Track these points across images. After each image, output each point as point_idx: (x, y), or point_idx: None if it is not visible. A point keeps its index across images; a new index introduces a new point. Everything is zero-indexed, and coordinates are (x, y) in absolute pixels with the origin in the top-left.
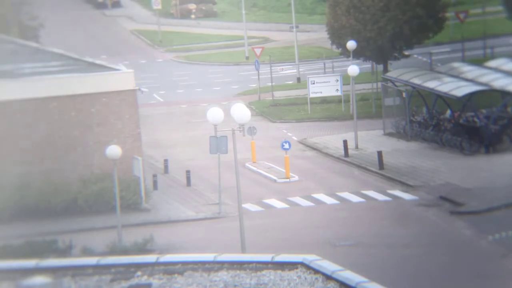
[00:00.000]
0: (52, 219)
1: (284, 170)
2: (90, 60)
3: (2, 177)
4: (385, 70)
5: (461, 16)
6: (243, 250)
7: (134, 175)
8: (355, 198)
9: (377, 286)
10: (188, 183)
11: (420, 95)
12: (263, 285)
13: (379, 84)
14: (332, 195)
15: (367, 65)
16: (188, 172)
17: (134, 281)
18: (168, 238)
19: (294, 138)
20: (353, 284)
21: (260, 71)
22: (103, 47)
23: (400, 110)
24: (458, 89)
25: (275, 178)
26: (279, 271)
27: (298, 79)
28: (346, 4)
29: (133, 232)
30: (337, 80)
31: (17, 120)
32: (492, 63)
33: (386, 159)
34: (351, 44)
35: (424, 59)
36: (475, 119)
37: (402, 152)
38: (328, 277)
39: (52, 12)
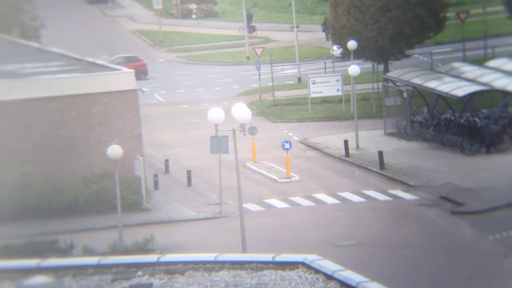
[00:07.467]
0: (53, 219)
1: (285, 170)
2: (91, 60)
3: (3, 177)
4: (386, 70)
5: (462, 16)
6: (244, 250)
7: (135, 175)
8: (356, 198)
9: (378, 286)
10: (189, 183)
11: (421, 95)
12: (264, 285)
13: (380, 84)
14: (333, 195)
15: (368, 65)
16: (189, 172)
17: (135, 281)
18: (169, 238)
19: (295, 138)
20: (354, 284)
21: (261, 71)
22: (104, 47)
23: (401, 110)
24: (458, 89)
25: (276, 178)
26: (280, 271)
27: (299, 79)
28: (347, 4)
29: (134, 232)
30: (338, 80)
31: (18, 120)
32: (493, 63)
33: (387, 159)
34: (351, 44)
35: (425, 59)
36: (476, 119)
37: (403, 152)
38: (329, 277)
39: (53, 12)
